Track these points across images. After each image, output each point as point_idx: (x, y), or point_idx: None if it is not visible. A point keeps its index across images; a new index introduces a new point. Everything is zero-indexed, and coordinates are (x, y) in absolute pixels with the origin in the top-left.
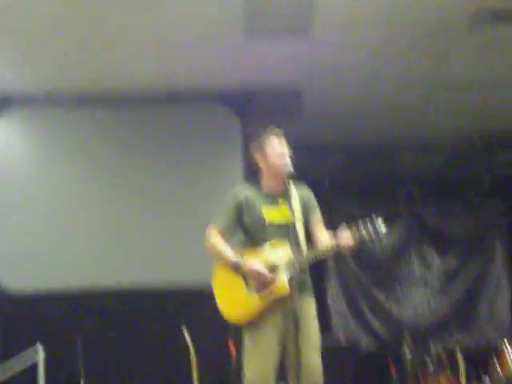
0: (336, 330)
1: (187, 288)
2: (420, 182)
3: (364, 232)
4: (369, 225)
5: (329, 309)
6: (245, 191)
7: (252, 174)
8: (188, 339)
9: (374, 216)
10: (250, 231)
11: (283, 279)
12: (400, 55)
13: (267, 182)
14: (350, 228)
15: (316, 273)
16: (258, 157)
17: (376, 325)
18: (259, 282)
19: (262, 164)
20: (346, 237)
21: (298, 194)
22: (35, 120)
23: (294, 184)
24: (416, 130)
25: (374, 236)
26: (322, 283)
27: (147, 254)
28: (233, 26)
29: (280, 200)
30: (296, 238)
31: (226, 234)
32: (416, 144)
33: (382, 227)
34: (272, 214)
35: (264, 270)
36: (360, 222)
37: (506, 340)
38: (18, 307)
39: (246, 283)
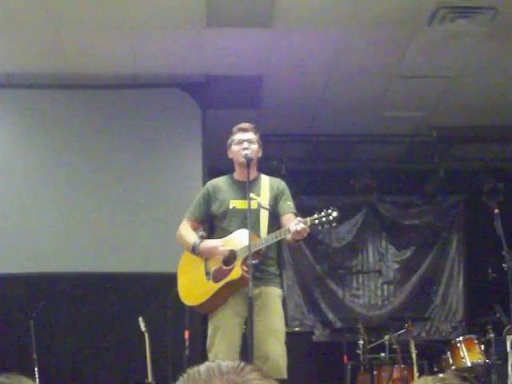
0: (291, 320)
1: (143, 275)
2: (376, 173)
3: (317, 222)
4: (323, 217)
5: (284, 299)
6: (216, 181)
7: (211, 159)
8: (143, 329)
9: (330, 208)
10: (215, 218)
11: (237, 264)
12: (360, 47)
13: (236, 172)
14: (304, 218)
15: None
16: (228, 152)
17: (330, 315)
18: (213, 254)
19: (231, 156)
20: (299, 226)
21: (269, 184)
22: None
23: (269, 176)
24: (373, 122)
25: (326, 228)
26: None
27: (104, 240)
28: (195, 15)
29: (247, 188)
30: (257, 223)
31: (197, 225)
32: (373, 136)
33: (334, 220)
34: (237, 201)
35: (217, 244)
36: (315, 213)
37: (460, 338)
38: None
39: (206, 270)
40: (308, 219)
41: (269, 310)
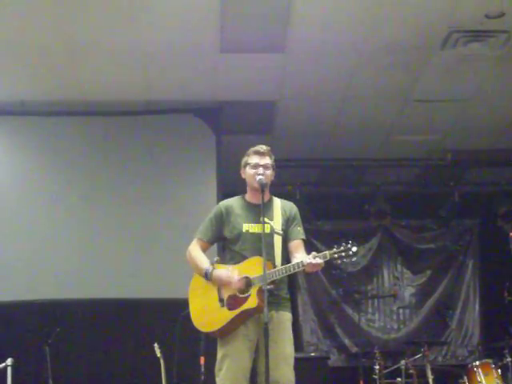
0: (306, 345)
1: (159, 301)
2: (391, 197)
3: (336, 257)
4: (343, 251)
5: (300, 324)
6: (228, 202)
7: (225, 184)
8: (159, 355)
9: (349, 243)
10: (227, 240)
11: (253, 292)
12: (373, 71)
13: (249, 194)
14: (322, 252)
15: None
16: (242, 172)
17: (346, 340)
18: (227, 285)
19: (244, 176)
20: (315, 260)
21: (281, 208)
22: (11, 130)
23: (281, 200)
24: (387, 146)
25: (344, 261)
26: (293, 298)
27: (119, 267)
28: (209, 42)
29: (260, 212)
30: (271, 249)
31: (207, 245)
32: (387, 160)
33: (354, 255)
34: (250, 225)
35: (231, 274)
36: (335, 247)
37: (477, 363)
38: None
39: (220, 297)
40: (327, 253)
41: (280, 335)
